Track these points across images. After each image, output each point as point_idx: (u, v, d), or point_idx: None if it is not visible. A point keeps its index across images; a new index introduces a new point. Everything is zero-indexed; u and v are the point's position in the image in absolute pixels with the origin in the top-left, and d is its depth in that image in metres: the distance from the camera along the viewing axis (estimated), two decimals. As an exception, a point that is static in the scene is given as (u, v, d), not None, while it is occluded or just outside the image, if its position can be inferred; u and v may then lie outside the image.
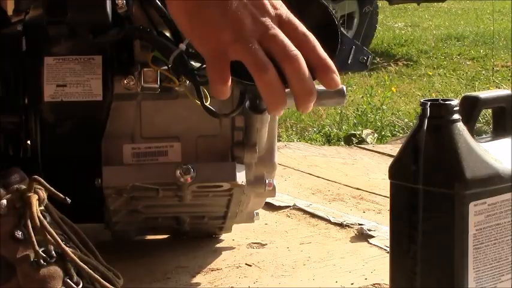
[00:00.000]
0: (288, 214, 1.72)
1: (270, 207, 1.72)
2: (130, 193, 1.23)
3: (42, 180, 1.01)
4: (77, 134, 1.23)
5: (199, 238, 1.50)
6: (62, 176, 1.21)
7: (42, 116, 1.22)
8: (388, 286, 1.32)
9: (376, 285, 1.33)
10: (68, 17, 1.17)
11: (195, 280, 1.35)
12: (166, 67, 1.17)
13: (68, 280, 0.97)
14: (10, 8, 1.34)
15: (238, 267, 1.40)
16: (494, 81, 4.82)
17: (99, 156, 1.21)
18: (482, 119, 3.75)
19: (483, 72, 5.57)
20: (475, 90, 4.64)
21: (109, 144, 1.21)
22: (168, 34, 1.17)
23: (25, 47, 1.24)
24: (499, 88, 4.40)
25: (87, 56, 1.22)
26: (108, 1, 1.17)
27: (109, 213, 1.28)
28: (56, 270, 0.97)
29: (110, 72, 1.21)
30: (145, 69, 1.18)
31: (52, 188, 1.01)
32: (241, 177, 1.21)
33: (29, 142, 1.25)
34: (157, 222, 1.39)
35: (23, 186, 1.00)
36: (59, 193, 1.02)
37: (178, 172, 1.18)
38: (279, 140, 2.29)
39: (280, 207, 1.74)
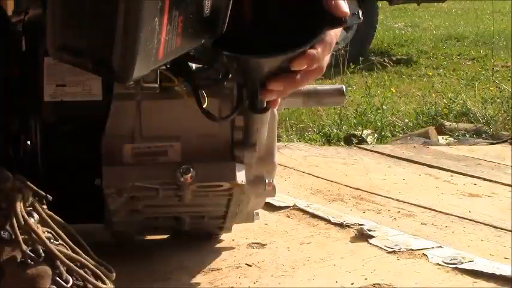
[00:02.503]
0: (288, 214, 1.72)
1: (270, 207, 1.72)
2: (131, 193, 1.23)
3: (25, 179, 1.00)
4: (77, 133, 1.23)
5: (199, 238, 1.50)
6: (62, 176, 1.21)
7: (42, 116, 1.22)
8: (387, 286, 1.32)
9: (376, 285, 1.33)
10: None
11: (195, 280, 1.35)
12: (166, 67, 1.17)
13: (57, 278, 0.97)
14: (10, 8, 1.34)
15: (238, 267, 1.40)
16: (494, 81, 4.82)
17: (99, 156, 1.21)
18: (482, 119, 3.75)
19: (483, 72, 5.57)
20: (475, 91, 4.64)
21: (109, 144, 1.21)
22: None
23: (25, 47, 1.24)
24: (499, 89, 4.40)
25: (87, 56, 1.22)
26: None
27: (109, 213, 1.28)
28: (45, 269, 0.97)
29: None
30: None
31: (34, 186, 1.01)
32: (241, 176, 1.21)
33: (29, 142, 1.25)
34: (157, 222, 1.38)
35: (7, 186, 0.99)
36: (41, 191, 1.02)
37: (178, 172, 1.18)
38: (279, 140, 2.29)
39: (280, 208, 1.74)
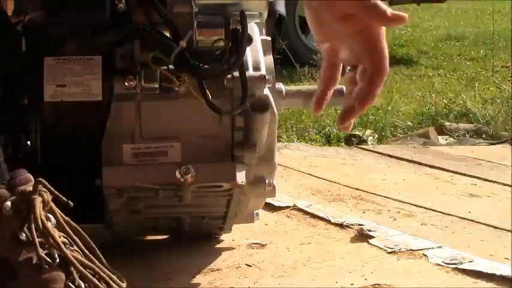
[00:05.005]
0: (288, 214, 1.72)
1: (270, 207, 1.72)
2: (131, 193, 1.23)
3: (47, 183, 1.00)
4: (77, 134, 1.23)
5: (199, 238, 1.50)
6: (62, 176, 1.21)
7: (42, 116, 1.22)
8: (387, 287, 1.32)
9: (375, 286, 1.33)
10: (67, 18, 1.18)
11: (195, 280, 1.35)
12: (166, 67, 1.17)
13: (69, 283, 0.97)
14: (10, 8, 1.34)
15: (238, 268, 1.40)
16: (494, 81, 4.81)
17: (99, 157, 1.21)
18: (482, 119, 3.75)
19: (483, 72, 5.57)
20: (475, 91, 4.64)
21: (109, 144, 1.21)
22: (167, 34, 1.17)
23: (25, 48, 1.24)
24: (499, 89, 4.40)
25: (87, 56, 1.22)
26: (108, 1, 1.17)
27: (109, 214, 1.28)
28: (58, 273, 0.97)
29: (110, 72, 1.21)
30: (145, 69, 1.18)
31: (56, 191, 1.01)
32: (241, 177, 1.21)
33: (29, 142, 1.25)
34: (157, 223, 1.38)
35: (28, 189, 1.00)
36: (62, 196, 1.02)
37: (178, 172, 1.18)
38: (279, 141, 2.29)
39: (280, 208, 1.74)
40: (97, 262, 1.02)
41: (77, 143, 1.23)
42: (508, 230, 1.63)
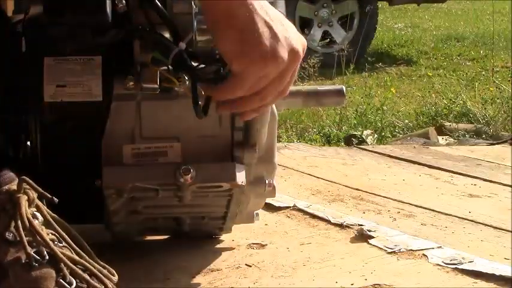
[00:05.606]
0: (288, 215, 1.72)
1: (270, 207, 1.72)
2: (130, 193, 1.23)
3: (30, 181, 1.00)
4: (76, 134, 1.23)
5: (199, 239, 1.50)
6: (62, 177, 1.21)
7: (42, 116, 1.22)
8: (387, 287, 1.32)
9: (375, 286, 1.33)
10: (67, 18, 1.17)
11: (194, 280, 1.35)
12: (166, 67, 1.17)
13: (60, 280, 0.97)
14: (10, 8, 1.34)
15: (238, 268, 1.40)
16: (494, 81, 4.82)
17: (99, 157, 1.21)
18: (482, 119, 3.75)
19: (483, 72, 5.58)
20: (475, 91, 4.64)
21: (109, 144, 1.21)
22: (167, 34, 1.17)
23: (25, 48, 1.24)
24: (499, 89, 4.40)
25: (87, 57, 1.22)
26: (108, 1, 1.17)
27: (109, 214, 1.28)
28: (48, 271, 0.97)
29: (110, 73, 1.21)
30: (145, 69, 1.18)
31: (40, 188, 1.01)
32: (241, 177, 1.21)
33: (29, 142, 1.25)
34: (157, 223, 1.38)
35: (12, 188, 0.99)
36: (46, 193, 1.02)
37: (178, 172, 1.18)
38: (279, 141, 2.29)
39: (280, 208, 1.74)
40: (87, 257, 1.02)
41: (77, 143, 1.23)
42: (508, 230, 1.63)
